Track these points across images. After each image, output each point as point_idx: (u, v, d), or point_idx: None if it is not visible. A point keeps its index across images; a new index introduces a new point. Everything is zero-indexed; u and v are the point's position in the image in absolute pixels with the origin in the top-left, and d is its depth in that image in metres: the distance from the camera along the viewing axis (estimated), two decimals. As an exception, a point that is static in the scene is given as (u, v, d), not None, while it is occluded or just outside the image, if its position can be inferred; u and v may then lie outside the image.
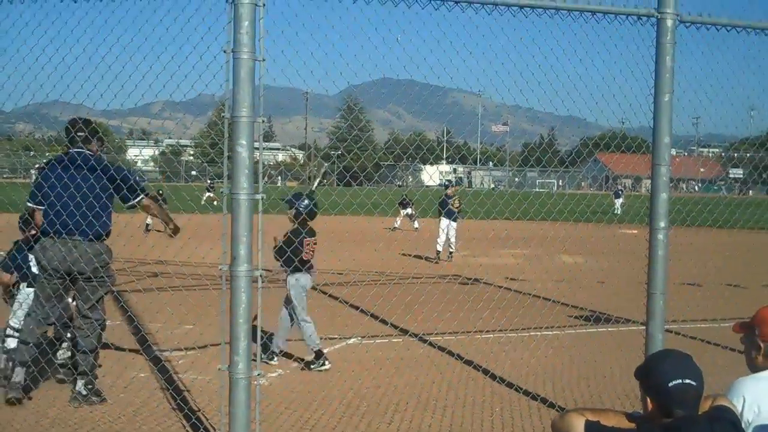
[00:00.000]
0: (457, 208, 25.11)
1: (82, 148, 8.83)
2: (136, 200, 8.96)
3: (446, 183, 26.90)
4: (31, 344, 8.66)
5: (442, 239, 25.24)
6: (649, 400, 4.10)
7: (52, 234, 8.51)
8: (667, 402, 3.99)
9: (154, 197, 9.45)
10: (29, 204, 8.89)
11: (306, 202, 11.07)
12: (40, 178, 8.86)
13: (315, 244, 11.10)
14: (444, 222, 25.06)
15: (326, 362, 10.74)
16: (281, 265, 10.82)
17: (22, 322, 9.17)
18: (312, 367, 10.73)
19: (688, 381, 3.98)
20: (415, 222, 38.17)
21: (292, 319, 10.97)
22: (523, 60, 7.96)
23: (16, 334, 9.18)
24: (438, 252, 25.27)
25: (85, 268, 8.52)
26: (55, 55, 7.13)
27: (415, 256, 25.34)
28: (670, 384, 3.97)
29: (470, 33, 7.35)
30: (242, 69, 5.89)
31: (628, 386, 9.89)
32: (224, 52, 5.98)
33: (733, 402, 4.50)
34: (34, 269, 9.16)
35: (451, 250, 25.34)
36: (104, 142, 9.30)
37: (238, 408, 6.10)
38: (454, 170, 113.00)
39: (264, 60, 6.01)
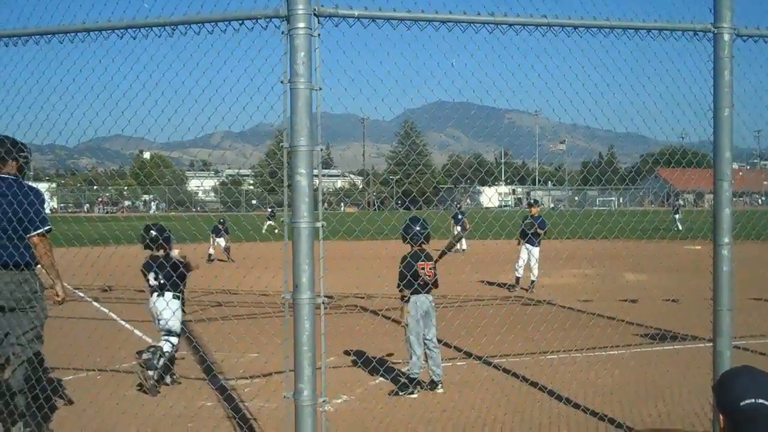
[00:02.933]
0: (540, 231, 23.01)
1: None
2: (32, 234, 8.12)
3: (532, 201, 25.22)
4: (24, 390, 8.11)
5: (521, 264, 23.40)
6: (721, 417, 4.05)
7: None
8: (738, 421, 3.93)
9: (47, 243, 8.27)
10: None
11: (420, 227, 11.24)
12: None
13: (432, 268, 11.18)
14: (525, 247, 23.14)
15: (416, 391, 10.74)
16: (401, 289, 10.98)
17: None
18: (401, 393, 10.74)
19: (761, 401, 3.92)
20: (464, 243, 37.47)
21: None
22: (579, 79, 7.92)
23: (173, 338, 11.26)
24: (517, 278, 23.44)
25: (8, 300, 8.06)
26: (116, 90, 7.27)
27: (488, 283, 24.34)
28: (742, 403, 3.91)
29: (525, 54, 7.35)
30: (299, 99, 5.95)
31: (697, 405, 9.77)
32: (281, 82, 6.05)
33: None
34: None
35: (533, 278, 23.20)
36: (24, 162, 8.49)
37: (304, 435, 6.12)
38: (513, 191, 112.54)
39: (320, 89, 6.06)
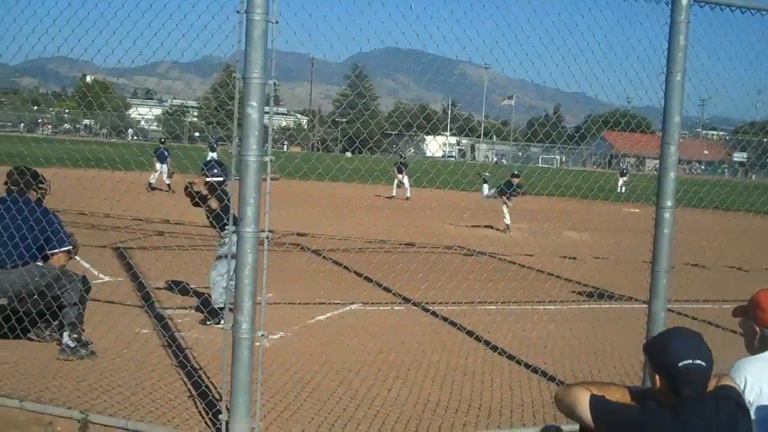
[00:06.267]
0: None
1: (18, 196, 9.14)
2: (49, 252, 9.12)
3: (516, 173, 27.11)
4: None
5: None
6: (657, 377, 4.13)
7: None
8: (677, 381, 4.02)
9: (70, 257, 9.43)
10: None
11: (216, 170, 11.19)
12: None
13: None
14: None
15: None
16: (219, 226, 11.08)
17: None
18: (208, 323, 10.73)
19: (698, 362, 4.01)
20: (408, 191, 38.24)
21: None
22: (531, 36, 7.91)
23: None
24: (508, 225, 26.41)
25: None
26: (67, 8, 7.10)
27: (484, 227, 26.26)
28: (680, 364, 4.00)
29: (481, 5, 7.32)
30: (255, 30, 5.88)
31: (627, 362, 9.95)
32: (237, 12, 5.96)
33: (735, 382, 4.55)
34: None
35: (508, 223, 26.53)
36: (43, 193, 9.44)
37: (240, 368, 6.13)
38: (458, 142, 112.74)
39: (277, 22, 5.99)
